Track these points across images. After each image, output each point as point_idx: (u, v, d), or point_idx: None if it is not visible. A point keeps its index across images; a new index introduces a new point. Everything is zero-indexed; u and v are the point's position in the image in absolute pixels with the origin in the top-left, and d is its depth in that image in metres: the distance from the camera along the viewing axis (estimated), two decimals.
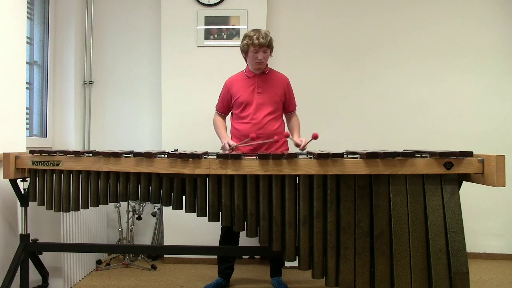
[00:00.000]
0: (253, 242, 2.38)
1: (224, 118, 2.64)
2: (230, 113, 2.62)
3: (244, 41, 2.42)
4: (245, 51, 2.46)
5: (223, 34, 3.17)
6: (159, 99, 3.23)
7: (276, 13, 3.32)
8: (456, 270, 1.64)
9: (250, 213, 1.85)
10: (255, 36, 2.36)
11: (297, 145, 2.42)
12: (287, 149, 2.53)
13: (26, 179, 2.15)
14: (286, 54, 3.35)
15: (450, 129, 3.26)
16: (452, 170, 1.71)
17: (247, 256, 3.10)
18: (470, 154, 1.71)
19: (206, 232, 2.87)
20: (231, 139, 2.51)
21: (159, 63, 3.25)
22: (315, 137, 2.26)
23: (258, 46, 2.36)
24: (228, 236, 2.51)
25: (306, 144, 2.37)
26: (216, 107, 2.63)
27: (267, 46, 2.38)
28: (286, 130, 2.57)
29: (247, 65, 2.54)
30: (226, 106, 2.58)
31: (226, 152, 2.28)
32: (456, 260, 1.65)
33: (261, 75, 2.50)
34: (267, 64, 2.52)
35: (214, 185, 1.89)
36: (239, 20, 3.16)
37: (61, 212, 2.22)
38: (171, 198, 1.97)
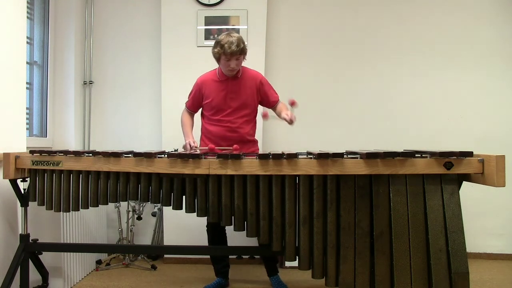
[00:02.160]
0: (254, 242, 2.39)
1: (192, 115, 2.60)
2: (201, 112, 2.58)
3: (216, 50, 2.32)
4: (216, 59, 2.37)
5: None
6: (159, 99, 3.23)
7: (276, 13, 3.32)
8: (456, 270, 1.64)
9: (250, 213, 1.85)
10: (226, 45, 2.25)
11: (289, 121, 2.31)
12: (257, 150, 2.54)
13: (26, 179, 2.15)
14: (286, 54, 3.35)
15: (450, 129, 3.26)
16: (452, 170, 1.71)
17: (247, 256, 3.10)
18: (470, 154, 1.71)
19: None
20: (201, 138, 2.52)
21: (159, 63, 3.25)
22: (292, 103, 2.23)
23: (230, 55, 2.27)
24: (216, 237, 2.53)
25: (292, 115, 2.29)
26: (186, 104, 2.57)
27: (240, 54, 2.29)
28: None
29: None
30: (196, 105, 2.54)
31: (187, 152, 2.26)
32: (456, 260, 1.65)
33: (233, 79, 2.43)
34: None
35: (214, 185, 1.89)
36: (239, 20, 3.16)
37: (61, 212, 2.21)
38: (171, 198, 1.97)
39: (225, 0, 3.17)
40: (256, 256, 3.09)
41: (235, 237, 2.51)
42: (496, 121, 3.24)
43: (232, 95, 2.42)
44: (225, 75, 2.44)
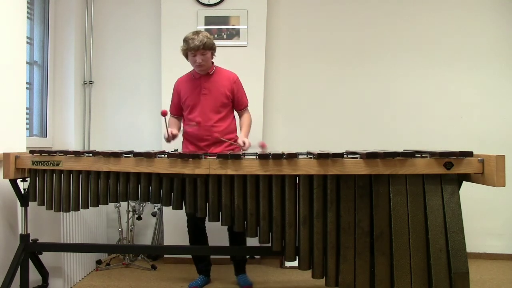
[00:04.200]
0: (253, 242, 2.39)
1: (179, 119, 2.63)
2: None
3: (181, 46, 2.41)
4: (185, 56, 2.45)
5: (223, 34, 3.17)
6: (159, 99, 3.23)
7: (276, 13, 3.32)
8: (456, 270, 1.64)
9: (250, 213, 1.85)
10: (190, 41, 2.34)
11: (241, 146, 2.42)
12: (239, 148, 2.54)
13: (26, 179, 2.15)
14: (286, 54, 3.35)
15: (450, 129, 3.26)
16: (452, 170, 1.71)
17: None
18: (470, 154, 1.71)
19: (207, 229, 2.87)
20: (183, 142, 2.57)
21: (159, 63, 3.25)
22: (262, 146, 2.31)
23: (194, 50, 2.34)
24: (198, 236, 2.57)
25: (248, 147, 2.38)
26: (169, 110, 2.62)
27: (204, 48, 2.34)
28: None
29: None
30: (177, 108, 2.59)
31: (168, 138, 2.40)
32: (456, 260, 1.65)
33: (206, 76, 2.48)
34: (213, 63, 2.51)
35: (214, 185, 1.89)
36: (239, 20, 3.16)
37: (61, 212, 2.22)
38: (171, 198, 1.97)
39: (225, 0, 3.17)
40: (256, 256, 3.10)
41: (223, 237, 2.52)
42: (496, 121, 3.24)
43: (205, 91, 2.46)
44: (198, 74, 2.49)
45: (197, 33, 2.38)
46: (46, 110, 3.13)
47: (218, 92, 2.46)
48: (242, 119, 2.60)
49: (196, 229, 2.56)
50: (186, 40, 2.38)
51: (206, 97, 2.45)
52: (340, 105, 3.34)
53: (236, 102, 2.54)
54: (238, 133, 2.61)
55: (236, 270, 2.64)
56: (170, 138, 2.41)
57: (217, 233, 2.67)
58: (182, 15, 3.18)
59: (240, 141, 2.42)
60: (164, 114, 2.28)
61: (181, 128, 2.61)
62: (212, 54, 2.46)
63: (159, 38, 3.23)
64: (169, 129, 2.40)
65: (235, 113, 2.62)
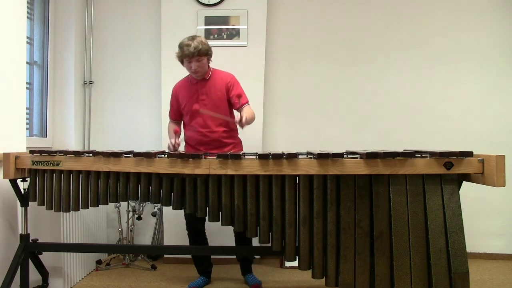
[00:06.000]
0: (253, 242, 2.39)
1: (178, 124, 2.63)
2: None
3: (177, 52, 2.39)
4: (180, 61, 2.42)
5: (223, 34, 3.17)
6: (159, 99, 3.23)
7: (276, 13, 3.32)
8: (456, 270, 1.64)
9: (250, 213, 1.85)
10: (185, 47, 2.30)
11: (239, 123, 2.28)
12: (241, 150, 2.55)
13: (26, 179, 2.15)
14: (286, 54, 3.35)
15: (450, 129, 3.26)
16: (452, 170, 1.71)
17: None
18: (470, 154, 1.71)
19: (206, 232, 2.87)
20: (185, 146, 2.57)
21: (159, 63, 3.24)
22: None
23: (188, 57, 2.31)
24: (198, 238, 2.56)
25: (245, 121, 2.24)
26: (169, 116, 2.64)
27: (198, 55, 2.31)
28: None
29: None
30: (176, 113, 2.59)
31: (171, 150, 2.39)
32: (456, 260, 1.65)
33: (202, 81, 2.46)
34: (209, 67, 2.48)
35: (214, 185, 1.89)
36: (239, 20, 3.16)
37: (61, 212, 2.22)
38: (171, 198, 1.97)
39: (225, 0, 3.17)
40: (256, 256, 3.09)
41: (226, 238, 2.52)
42: (496, 121, 3.24)
43: (202, 97, 2.45)
44: (195, 79, 2.47)
45: (192, 38, 2.35)
46: (46, 110, 3.13)
47: (215, 96, 2.45)
48: (245, 109, 2.43)
49: (195, 233, 2.56)
50: (181, 47, 2.35)
51: (204, 103, 2.44)
52: (340, 105, 3.34)
53: (232, 101, 2.48)
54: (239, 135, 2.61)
55: (243, 270, 2.64)
56: (176, 148, 2.42)
57: (216, 235, 2.67)
58: (182, 15, 3.18)
59: (237, 118, 2.31)
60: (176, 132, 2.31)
61: (181, 133, 2.61)
62: (208, 60, 2.43)
63: (159, 38, 3.23)
64: (172, 140, 2.41)
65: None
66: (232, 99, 2.47)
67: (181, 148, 2.59)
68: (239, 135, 2.60)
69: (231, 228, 1.95)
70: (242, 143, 2.62)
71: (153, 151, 1.97)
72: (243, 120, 2.25)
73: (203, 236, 2.62)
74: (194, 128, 2.47)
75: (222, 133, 2.47)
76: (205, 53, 2.36)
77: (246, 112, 2.36)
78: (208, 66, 2.47)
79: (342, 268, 1.75)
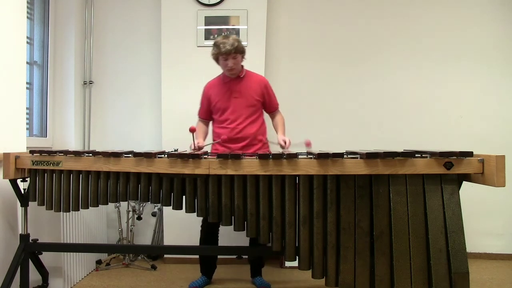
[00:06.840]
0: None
1: (206, 124, 2.64)
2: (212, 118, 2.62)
3: (213, 51, 2.43)
4: (216, 60, 2.46)
5: (223, 34, 3.16)
6: (159, 99, 3.23)
7: (276, 13, 3.32)
8: (456, 270, 1.64)
9: (250, 213, 1.85)
10: (221, 45, 2.35)
11: (281, 146, 2.42)
12: (268, 151, 2.54)
13: (26, 179, 2.15)
14: (286, 54, 3.35)
15: (450, 129, 3.26)
16: (452, 170, 1.71)
17: (245, 256, 3.10)
18: (470, 154, 1.71)
19: (218, 236, 2.88)
20: (212, 145, 2.57)
21: (159, 63, 3.25)
22: (307, 144, 2.27)
23: (225, 54, 2.36)
24: (210, 237, 2.56)
25: (289, 146, 2.37)
26: (198, 115, 2.64)
27: (235, 52, 2.37)
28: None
29: None
30: (206, 111, 2.60)
31: (192, 151, 2.31)
32: (456, 260, 1.65)
33: (237, 79, 2.50)
34: (242, 67, 2.51)
35: (214, 185, 1.89)
36: (239, 20, 3.16)
37: (61, 212, 2.21)
38: (171, 198, 1.97)
39: (225, 0, 3.17)
40: None
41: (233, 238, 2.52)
42: (496, 121, 3.24)
43: (236, 94, 2.47)
44: (228, 77, 2.49)
45: (227, 37, 2.40)
46: (46, 110, 3.13)
47: (249, 95, 2.48)
48: (276, 120, 2.63)
49: (209, 230, 2.55)
50: (217, 45, 2.39)
51: (237, 100, 2.47)
52: (341, 105, 3.34)
53: (267, 105, 2.57)
54: (269, 135, 2.63)
55: (253, 273, 2.65)
56: (198, 149, 2.40)
57: (222, 237, 2.66)
58: (182, 15, 3.18)
59: (280, 141, 2.44)
60: (192, 130, 2.23)
61: (208, 133, 2.65)
62: (242, 57, 2.46)
63: (159, 38, 3.23)
64: (196, 141, 2.39)
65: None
66: (267, 102, 2.56)
67: (207, 148, 2.58)
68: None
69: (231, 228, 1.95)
70: None
71: (153, 151, 1.97)
72: (287, 144, 2.39)
73: (215, 236, 2.61)
74: (226, 124, 2.47)
75: (256, 132, 2.49)
76: (241, 50, 2.42)
77: (282, 129, 2.56)
78: (242, 65, 2.50)
79: (342, 268, 1.75)
